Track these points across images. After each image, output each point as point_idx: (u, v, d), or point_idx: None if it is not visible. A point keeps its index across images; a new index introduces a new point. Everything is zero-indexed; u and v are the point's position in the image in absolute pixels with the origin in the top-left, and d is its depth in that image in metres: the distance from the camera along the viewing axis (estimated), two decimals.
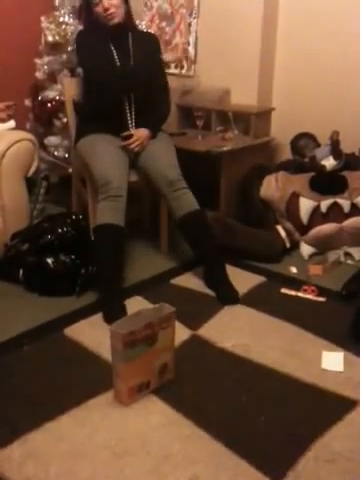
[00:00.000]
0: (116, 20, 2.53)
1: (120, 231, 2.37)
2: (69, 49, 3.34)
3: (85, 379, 1.86)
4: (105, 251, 2.36)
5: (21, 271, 2.50)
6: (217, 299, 2.39)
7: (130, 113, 2.64)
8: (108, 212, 2.37)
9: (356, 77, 3.09)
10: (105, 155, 2.51)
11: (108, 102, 2.61)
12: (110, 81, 2.56)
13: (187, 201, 2.48)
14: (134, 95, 2.61)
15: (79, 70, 3.22)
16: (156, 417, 1.68)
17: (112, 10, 2.50)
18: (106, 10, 2.49)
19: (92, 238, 2.45)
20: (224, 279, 2.45)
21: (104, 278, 2.35)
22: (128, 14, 2.62)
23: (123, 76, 2.56)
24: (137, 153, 2.61)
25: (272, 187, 2.93)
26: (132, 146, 2.56)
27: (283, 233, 2.86)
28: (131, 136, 2.58)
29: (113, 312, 2.18)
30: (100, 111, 2.63)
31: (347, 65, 3.11)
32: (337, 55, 3.13)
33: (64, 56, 3.38)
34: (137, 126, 2.63)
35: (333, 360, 1.95)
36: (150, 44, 2.72)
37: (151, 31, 3.45)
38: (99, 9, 2.50)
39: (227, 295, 2.39)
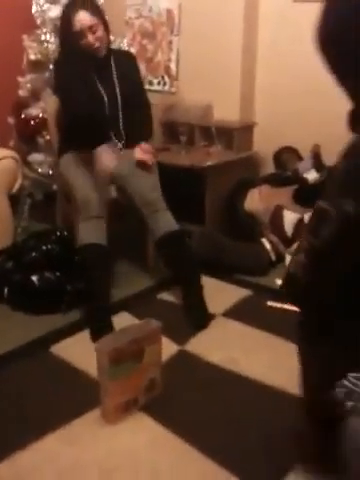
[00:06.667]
0: (103, 52, 2.53)
1: (105, 250, 2.36)
2: (51, 67, 3.35)
3: (72, 397, 1.84)
4: (93, 269, 2.33)
5: (6, 289, 2.47)
6: (188, 322, 2.29)
7: (118, 136, 2.62)
8: (91, 232, 2.36)
9: (337, 90, 3.13)
10: (86, 175, 2.49)
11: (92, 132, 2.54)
12: (99, 121, 2.53)
13: (165, 221, 2.44)
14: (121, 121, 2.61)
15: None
16: (144, 434, 1.67)
17: (97, 44, 2.48)
18: (91, 45, 2.47)
19: (77, 258, 2.41)
20: (198, 303, 2.36)
21: (92, 296, 2.32)
22: (108, 38, 2.60)
23: (110, 116, 2.57)
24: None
25: (256, 200, 2.95)
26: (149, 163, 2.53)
27: (268, 246, 2.88)
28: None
29: (100, 331, 2.13)
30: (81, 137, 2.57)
31: (327, 79, 3.14)
32: (317, 69, 3.15)
33: (47, 74, 3.39)
34: (128, 144, 2.61)
35: None
36: (129, 65, 2.72)
37: (132, 49, 3.48)
38: (84, 43, 2.47)
39: (197, 320, 2.29)
